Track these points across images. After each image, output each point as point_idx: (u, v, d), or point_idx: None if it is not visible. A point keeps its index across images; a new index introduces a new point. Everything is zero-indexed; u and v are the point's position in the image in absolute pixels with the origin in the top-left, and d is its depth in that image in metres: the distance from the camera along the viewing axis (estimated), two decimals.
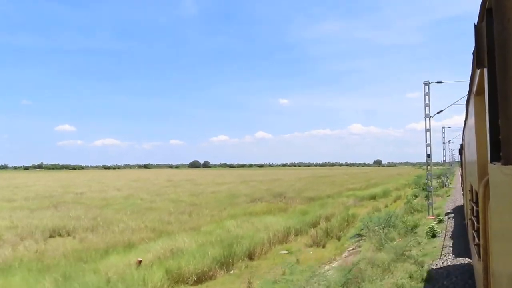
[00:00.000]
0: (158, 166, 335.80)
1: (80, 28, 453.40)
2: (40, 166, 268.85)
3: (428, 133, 19.58)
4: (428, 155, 20.03)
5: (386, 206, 27.19)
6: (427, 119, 19.56)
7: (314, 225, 19.12)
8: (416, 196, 30.78)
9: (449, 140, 53.11)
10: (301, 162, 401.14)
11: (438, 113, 19.91)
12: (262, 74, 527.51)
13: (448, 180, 47.18)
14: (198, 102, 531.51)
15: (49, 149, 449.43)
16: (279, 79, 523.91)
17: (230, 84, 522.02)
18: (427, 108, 19.55)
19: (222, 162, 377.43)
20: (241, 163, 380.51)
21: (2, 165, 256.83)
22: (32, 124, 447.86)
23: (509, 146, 1.04)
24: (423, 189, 30.01)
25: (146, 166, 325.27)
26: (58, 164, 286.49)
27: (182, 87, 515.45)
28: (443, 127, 44.72)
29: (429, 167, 20.86)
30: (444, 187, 42.23)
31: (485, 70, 1.61)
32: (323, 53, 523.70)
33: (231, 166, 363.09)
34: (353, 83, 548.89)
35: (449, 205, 24.01)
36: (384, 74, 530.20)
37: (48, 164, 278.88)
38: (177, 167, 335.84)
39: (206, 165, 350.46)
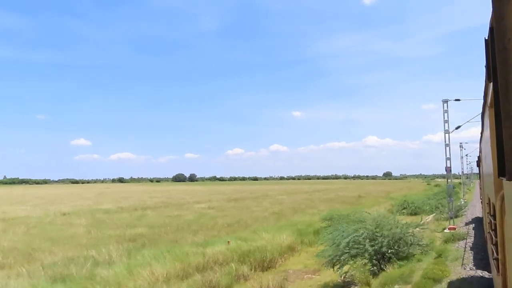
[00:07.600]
0: (136, 180, 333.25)
1: (96, 43, 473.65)
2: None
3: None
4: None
5: None
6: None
7: None
8: None
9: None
10: (308, 174, 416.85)
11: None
12: (277, 87, 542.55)
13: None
14: (212, 115, 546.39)
15: (66, 163, 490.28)
16: (294, 92, 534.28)
17: (245, 97, 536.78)
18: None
19: (212, 176, 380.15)
20: (233, 176, 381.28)
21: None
22: (48, 138, 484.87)
23: None
24: None
25: (120, 180, 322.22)
26: (18, 178, 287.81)
27: (197, 101, 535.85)
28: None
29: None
30: None
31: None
32: (338, 66, 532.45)
33: (221, 179, 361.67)
34: (368, 95, 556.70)
35: None
36: (399, 85, 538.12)
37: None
38: (158, 181, 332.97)
39: (192, 178, 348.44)
